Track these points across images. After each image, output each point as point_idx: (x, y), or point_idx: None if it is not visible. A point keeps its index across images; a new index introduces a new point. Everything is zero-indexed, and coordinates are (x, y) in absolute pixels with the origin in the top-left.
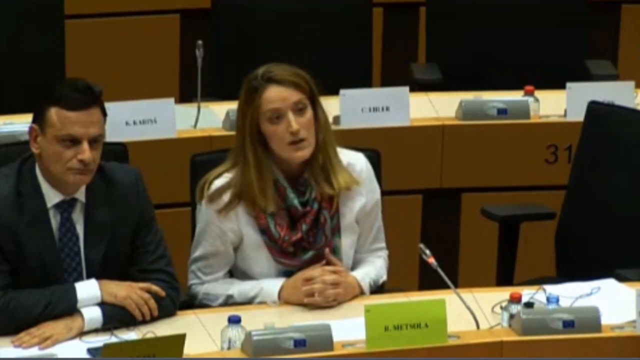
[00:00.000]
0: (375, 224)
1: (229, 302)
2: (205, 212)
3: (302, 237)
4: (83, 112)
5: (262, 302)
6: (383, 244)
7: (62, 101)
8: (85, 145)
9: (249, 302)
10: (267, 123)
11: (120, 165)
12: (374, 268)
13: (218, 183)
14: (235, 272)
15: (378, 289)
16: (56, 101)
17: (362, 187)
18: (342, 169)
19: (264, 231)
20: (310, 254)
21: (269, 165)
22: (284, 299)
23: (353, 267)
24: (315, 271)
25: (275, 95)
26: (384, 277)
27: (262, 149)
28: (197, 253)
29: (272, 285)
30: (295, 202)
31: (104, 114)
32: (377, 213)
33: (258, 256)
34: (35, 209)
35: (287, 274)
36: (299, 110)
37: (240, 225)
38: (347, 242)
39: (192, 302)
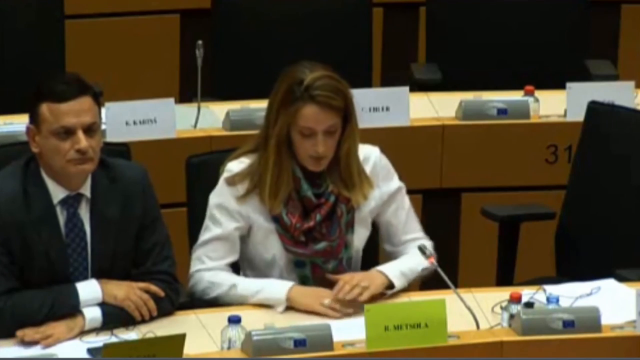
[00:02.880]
0: (402, 213)
1: (230, 292)
2: (220, 194)
3: (315, 227)
4: (73, 102)
5: (263, 300)
6: (419, 234)
7: (52, 95)
8: (80, 134)
9: (251, 295)
10: (297, 133)
11: (127, 162)
12: (407, 258)
13: (238, 167)
14: (242, 264)
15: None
16: (46, 96)
17: (376, 180)
18: (360, 177)
19: (276, 219)
20: (323, 244)
21: (288, 167)
22: (292, 299)
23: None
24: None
25: (313, 116)
26: (424, 264)
27: (286, 148)
28: (206, 236)
29: (281, 284)
30: (309, 193)
31: (97, 102)
32: (400, 201)
33: (269, 243)
34: (42, 206)
35: (298, 263)
36: (329, 132)
37: (252, 212)
38: (358, 238)
39: (193, 293)
